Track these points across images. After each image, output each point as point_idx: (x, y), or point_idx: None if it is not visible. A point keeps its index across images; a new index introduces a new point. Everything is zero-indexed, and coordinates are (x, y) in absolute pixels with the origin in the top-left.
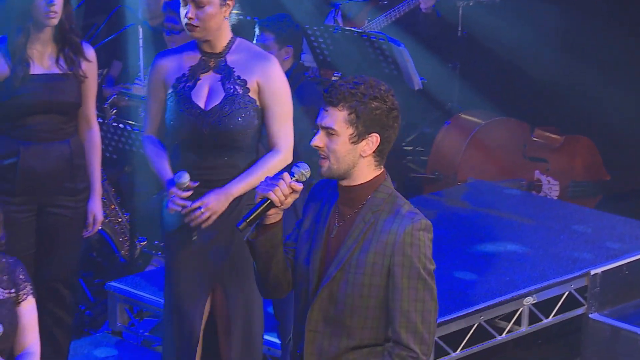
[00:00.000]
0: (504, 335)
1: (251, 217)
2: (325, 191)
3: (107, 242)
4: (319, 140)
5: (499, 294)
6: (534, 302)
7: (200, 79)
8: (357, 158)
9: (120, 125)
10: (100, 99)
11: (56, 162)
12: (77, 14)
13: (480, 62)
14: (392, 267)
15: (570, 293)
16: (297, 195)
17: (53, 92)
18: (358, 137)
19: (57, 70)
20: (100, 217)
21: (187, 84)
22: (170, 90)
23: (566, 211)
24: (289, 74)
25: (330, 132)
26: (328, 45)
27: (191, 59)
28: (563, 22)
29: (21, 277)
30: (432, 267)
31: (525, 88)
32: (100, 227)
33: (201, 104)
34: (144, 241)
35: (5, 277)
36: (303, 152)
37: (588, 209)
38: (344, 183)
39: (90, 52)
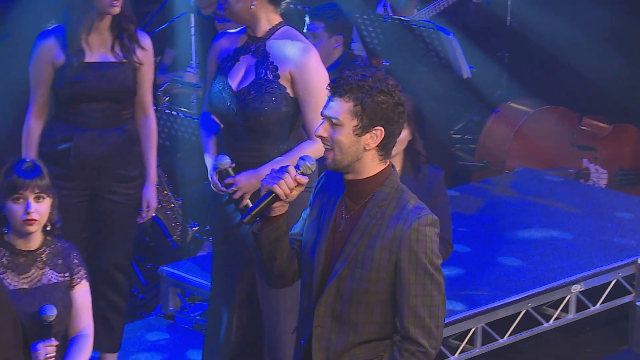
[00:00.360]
0: (551, 322)
1: (256, 210)
2: (332, 182)
3: (159, 227)
4: (323, 130)
5: (547, 281)
6: (582, 289)
7: (239, 61)
8: (360, 151)
9: (173, 113)
10: (153, 87)
11: (109, 148)
12: (132, 2)
13: (528, 51)
14: (398, 263)
15: (617, 281)
16: (302, 189)
17: (107, 79)
18: (362, 130)
19: (112, 58)
20: (154, 204)
21: (228, 64)
22: (217, 69)
23: (614, 199)
24: (338, 62)
25: (334, 122)
26: (378, 34)
27: (240, 40)
28: (612, 11)
29: (75, 261)
30: (439, 261)
31: (573, 77)
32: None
33: (234, 84)
34: (195, 226)
35: (59, 261)
36: None
37: (636, 197)
38: (349, 177)
39: (145, 40)
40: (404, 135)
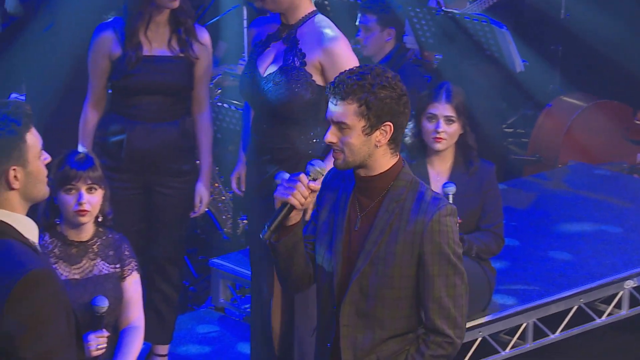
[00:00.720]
0: (603, 318)
1: (274, 224)
2: (338, 180)
3: (210, 219)
4: (332, 136)
5: (599, 276)
6: (635, 285)
7: (269, 47)
8: (372, 149)
9: (225, 105)
10: None
11: (162, 142)
12: None
13: (582, 44)
14: (422, 256)
15: None
16: (315, 194)
17: (162, 73)
18: (371, 128)
19: (168, 52)
20: (206, 198)
21: (259, 50)
22: (249, 54)
23: None
24: (390, 55)
25: (342, 126)
26: (430, 27)
27: (273, 27)
28: None
29: (126, 252)
30: (460, 250)
31: (627, 71)
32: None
33: (262, 70)
34: (246, 219)
35: (111, 253)
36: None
37: None
38: (362, 173)
39: (203, 35)
40: (455, 129)
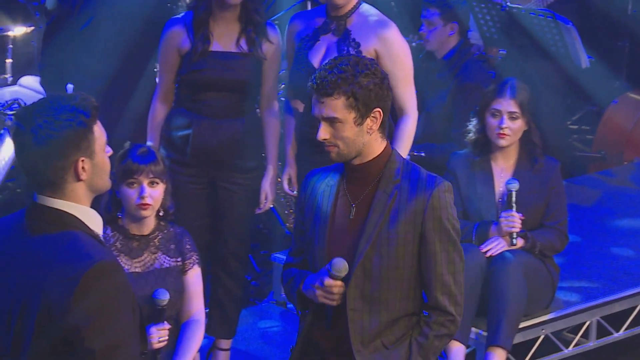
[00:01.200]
0: None
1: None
2: (317, 185)
3: (273, 214)
4: (324, 132)
5: None
6: None
7: (319, 40)
8: (365, 137)
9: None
10: None
11: (228, 138)
12: None
13: None
14: (424, 234)
15: None
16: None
17: (230, 70)
18: (362, 118)
19: (236, 49)
20: (271, 195)
21: (308, 44)
22: (295, 49)
23: None
24: (454, 51)
25: (334, 121)
26: (495, 22)
27: (318, 21)
28: None
29: (188, 246)
30: (458, 225)
31: None
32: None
33: (315, 63)
34: None
35: (172, 246)
36: (466, 127)
37: None
38: (356, 162)
39: (273, 34)
40: (519, 125)
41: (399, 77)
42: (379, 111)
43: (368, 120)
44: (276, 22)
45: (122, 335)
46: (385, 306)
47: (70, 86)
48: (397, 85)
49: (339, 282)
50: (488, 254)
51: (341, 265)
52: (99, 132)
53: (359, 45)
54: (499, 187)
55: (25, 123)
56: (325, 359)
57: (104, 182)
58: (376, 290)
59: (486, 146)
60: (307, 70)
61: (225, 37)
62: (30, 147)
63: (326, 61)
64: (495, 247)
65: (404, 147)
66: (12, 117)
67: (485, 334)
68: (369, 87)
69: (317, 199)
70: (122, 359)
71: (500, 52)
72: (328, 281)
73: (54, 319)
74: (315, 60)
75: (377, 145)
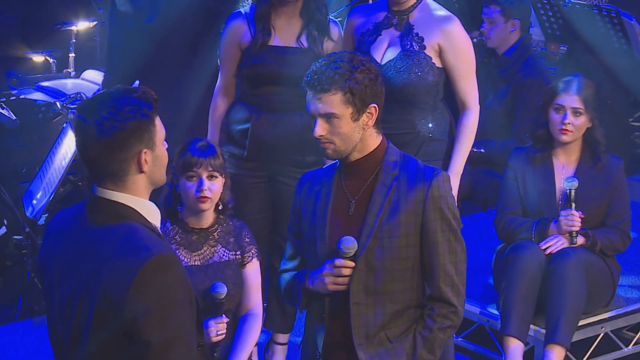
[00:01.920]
0: None
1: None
2: (312, 185)
3: None
4: (320, 129)
5: None
6: None
7: (381, 35)
8: (360, 132)
9: None
10: None
11: (286, 133)
12: None
13: None
14: (425, 224)
15: None
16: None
17: (289, 65)
18: (358, 113)
19: (295, 45)
20: None
21: (369, 39)
22: (356, 45)
23: None
24: (515, 47)
25: (330, 117)
26: (557, 18)
27: (378, 15)
28: None
29: (247, 240)
30: (458, 214)
31: None
32: None
33: (378, 58)
34: None
35: (231, 240)
36: (530, 124)
37: None
38: (352, 158)
39: (335, 31)
40: (583, 122)
41: (462, 71)
42: (374, 107)
43: (364, 116)
44: (338, 18)
45: (179, 328)
46: (389, 298)
47: (137, 82)
48: (459, 79)
49: (350, 263)
50: (547, 252)
51: (350, 243)
52: (159, 124)
53: (422, 39)
54: (560, 184)
55: (88, 116)
56: (333, 354)
57: (162, 175)
58: (380, 282)
59: (548, 142)
60: None
61: (285, 32)
62: (93, 139)
63: (320, 58)
64: (554, 244)
65: (467, 142)
66: (75, 110)
67: (544, 331)
68: (364, 83)
69: (313, 199)
70: (179, 352)
71: (561, 48)
72: (339, 262)
73: (112, 311)
74: (378, 55)
75: (372, 140)
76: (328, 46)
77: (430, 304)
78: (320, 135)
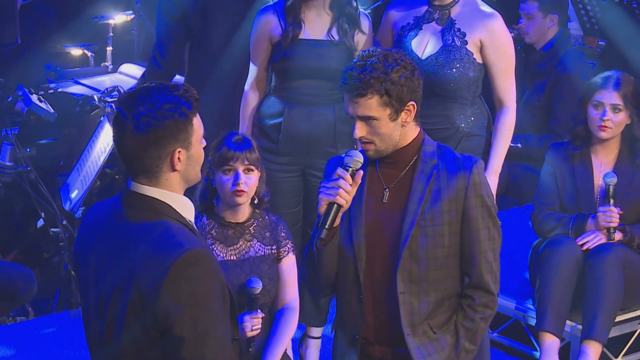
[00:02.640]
0: None
1: (328, 224)
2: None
3: None
4: (359, 131)
5: None
6: None
7: (422, 29)
8: (400, 130)
9: None
10: None
11: (319, 126)
12: None
13: None
14: (466, 211)
15: None
16: (356, 187)
17: (322, 58)
18: (397, 113)
19: (326, 37)
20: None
21: (410, 33)
22: (395, 39)
23: None
24: (552, 42)
25: (369, 119)
26: (596, 13)
27: (419, 9)
28: None
29: (282, 234)
30: (495, 201)
31: None
32: None
33: (419, 52)
34: None
35: (267, 234)
36: (567, 119)
37: None
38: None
39: (365, 24)
40: (622, 118)
41: (502, 68)
42: (412, 104)
43: (402, 114)
44: (369, 12)
45: (211, 323)
46: (433, 286)
47: (178, 77)
48: (499, 76)
49: (348, 178)
50: (584, 247)
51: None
52: (197, 124)
53: (464, 35)
54: (598, 180)
55: (127, 109)
56: (373, 340)
57: (197, 174)
58: (424, 271)
59: (587, 138)
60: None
61: (316, 25)
62: (130, 133)
63: (357, 57)
64: (592, 240)
65: (505, 140)
66: (112, 104)
67: (580, 327)
68: (401, 82)
69: None
70: (211, 346)
71: (600, 42)
72: (341, 170)
73: (145, 306)
74: (419, 49)
75: (411, 133)
76: (359, 39)
77: (470, 293)
78: (360, 137)
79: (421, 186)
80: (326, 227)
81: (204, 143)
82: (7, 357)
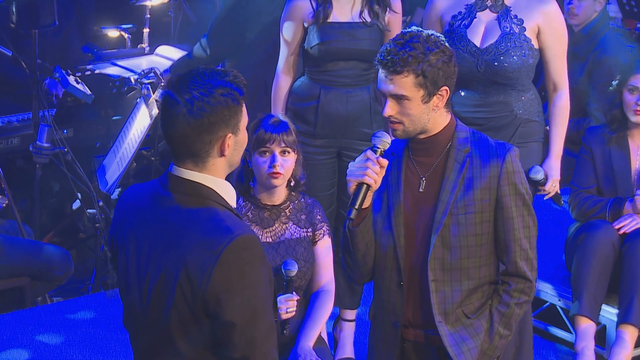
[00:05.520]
0: None
1: (358, 204)
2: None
3: None
4: (390, 109)
5: None
6: None
7: (476, 17)
8: (430, 114)
9: None
10: None
11: (355, 107)
12: None
13: None
14: (500, 199)
15: None
16: (384, 169)
17: (355, 40)
18: (429, 96)
19: (359, 19)
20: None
21: (463, 22)
22: (446, 28)
23: None
24: (592, 24)
25: (401, 98)
26: None
27: None
28: None
29: (318, 217)
30: (529, 188)
31: None
32: None
33: (477, 41)
34: None
35: (303, 217)
36: (606, 102)
37: None
38: (421, 136)
39: (396, 4)
40: None
41: (558, 52)
42: (446, 89)
43: (435, 98)
44: None
45: (261, 308)
46: (465, 274)
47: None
48: (555, 59)
49: (382, 160)
50: (621, 231)
51: (385, 134)
52: (244, 109)
53: (522, 21)
54: (636, 164)
55: (179, 93)
56: (410, 328)
57: (239, 158)
58: (456, 259)
59: (623, 122)
60: (467, 50)
61: (347, 8)
62: (181, 118)
63: (397, 35)
64: (629, 224)
65: (564, 122)
66: (149, 85)
67: (616, 311)
68: (438, 66)
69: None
70: (260, 330)
71: (639, 24)
72: (370, 152)
73: (195, 291)
74: (477, 38)
75: (442, 119)
76: (390, 18)
77: (506, 279)
78: (390, 115)
79: (454, 175)
80: (355, 207)
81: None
82: (44, 338)
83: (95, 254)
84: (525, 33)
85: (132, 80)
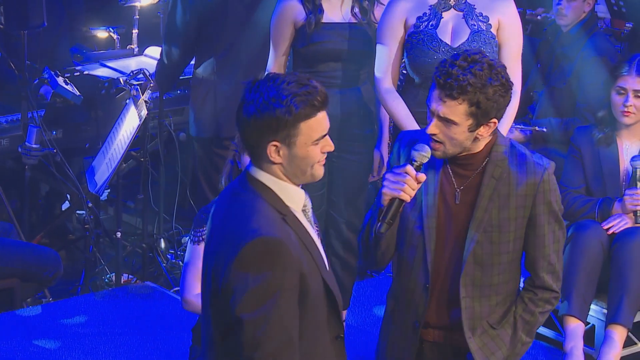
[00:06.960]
0: None
1: (389, 218)
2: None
3: None
4: (435, 128)
5: None
6: None
7: (442, 17)
8: (473, 140)
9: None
10: None
11: (346, 108)
12: None
13: None
14: (533, 217)
15: None
16: (420, 184)
17: (345, 41)
18: (477, 126)
19: (351, 19)
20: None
21: (430, 23)
22: (411, 30)
23: None
24: (580, 24)
25: (448, 122)
26: None
27: None
28: None
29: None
30: (561, 202)
31: None
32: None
33: (448, 41)
34: None
35: None
36: (594, 102)
37: None
38: (461, 154)
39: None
40: None
41: (513, 50)
42: (494, 121)
43: (482, 128)
44: None
45: (274, 312)
46: (494, 291)
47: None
48: (509, 58)
49: (412, 171)
50: (610, 231)
51: (424, 151)
52: (307, 127)
53: (487, 18)
54: (624, 164)
55: (248, 91)
56: (430, 331)
57: (304, 173)
58: (487, 276)
59: (611, 122)
60: (442, 50)
61: (339, 8)
62: (243, 115)
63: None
64: (618, 224)
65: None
66: (138, 87)
67: (606, 311)
68: (494, 99)
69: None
70: (269, 336)
71: (627, 25)
72: (409, 167)
73: (218, 279)
74: (447, 37)
75: (483, 142)
76: (378, 11)
77: (532, 288)
78: (433, 134)
79: (489, 191)
80: (386, 221)
81: (320, 146)
82: (32, 340)
83: (85, 255)
84: (492, 30)
85: (121, 82)
